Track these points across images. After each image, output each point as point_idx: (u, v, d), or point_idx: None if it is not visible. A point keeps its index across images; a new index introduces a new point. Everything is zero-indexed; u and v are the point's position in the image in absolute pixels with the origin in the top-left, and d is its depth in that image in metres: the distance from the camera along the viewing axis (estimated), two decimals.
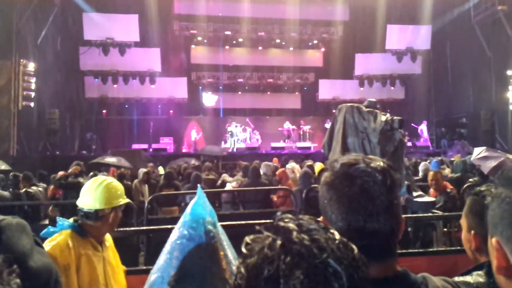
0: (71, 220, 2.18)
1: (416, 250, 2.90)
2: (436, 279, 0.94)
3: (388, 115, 4.98)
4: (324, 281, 0.58)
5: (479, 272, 1.25)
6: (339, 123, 4.91)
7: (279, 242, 0.62)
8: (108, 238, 2.32)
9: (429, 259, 2.85)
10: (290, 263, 0.59)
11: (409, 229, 4.86)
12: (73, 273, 2.00)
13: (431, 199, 5.04)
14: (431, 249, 2.95)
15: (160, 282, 1.22)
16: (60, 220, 2.17)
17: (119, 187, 2.28)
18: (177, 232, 1.31)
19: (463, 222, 1.48)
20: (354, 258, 0.62)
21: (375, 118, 4.74)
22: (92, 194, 2.19)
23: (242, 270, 0.63)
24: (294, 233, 0.62)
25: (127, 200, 2.29)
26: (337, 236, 0.64)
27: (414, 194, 4.99)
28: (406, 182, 4.89)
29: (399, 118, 4.74)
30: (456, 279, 1.24)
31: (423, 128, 18.03)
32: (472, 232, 1.42)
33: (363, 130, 4.75)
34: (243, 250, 0.65)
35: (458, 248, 3.60)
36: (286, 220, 0.67)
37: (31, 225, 2.09)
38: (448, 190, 5.23)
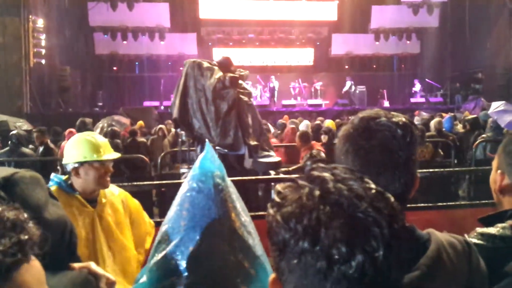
0: (64, 177, 2.19)
1: (426, 205, 2.93)
2: (440, 235, 0.94)
3: (244, 72, 4.80)
4: (364, 230, 0.58)
5: (505, 225, 1.22)
6: (182, 79, 4.77)
7: (317, 192, 0.61)
8: (106, 194, 2.27)
9: (438, 213, 2.88)
10: (330, 212, 0.58)
11: None
12: None
13: (277, 159, 4.95)
14: (440, 203, 2.97)
15: (170, 233, 1.25)
16: (53, 177, 2.18)
17: (96, 142, 2.19)
18: (186, 185, 1.34)
19: (495, 162, 1.41)
20: (393, 207, 0.62)
21: (211, 75, 4.60)
22: (68, 150, 2.19)
23: (279, 218, 0.62)
24: (331, 183, 0.62)
25: (103, 158, 2.17)
26: (373, 185, 0.64)
27: (262, 154, 4.87)
28: (253, 143, 4.74)
29: (232, 75, 4.59)
30: (479, 230, 1.22)
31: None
32: (499, 171, 1.36)
33: (201, 87, 4.63)
34: (276, 198, 0.65)
35: (467, 202, 3.64)
36: (320, 169, 0.66)
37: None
38: (314, 150, 5.09)
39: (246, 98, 4.77)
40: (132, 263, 2.28)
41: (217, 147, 4.66)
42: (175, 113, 4.80)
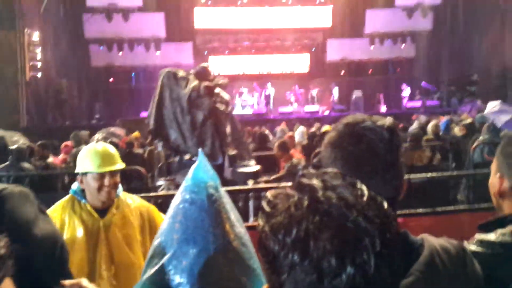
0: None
1: (424, 210, 2.90)
2: (434, 240, 0.92)
3: (222, 81, 4.75)
4: (355, 241, 0.56)
5: (504, 231, 1.18)
6: (158, 89, 4.73)
7: (305, 201, 0.59)
8: (119, 205, 2.24)
9: (437, 218, 2.86)
10: (319, 223, 0.56)
11: None
12: None
13: (255, 168, 4.87)
14: (439, 209, 2.95)
15: (163, 246, 1.23)
16: (73, 185, 2.26)
17: (96, 153, 2.19)
18: (179, 196, 1.32)
19: (493, 165, 1.36)
20: (385, 214, 0.60)
21: (186, 85, 4.56)
22: (77, 161, 2.27)
23: (267, 229, 0.61)
24: (320, 192, 0.60)
25: (98, 171, 2.15)
26: (366, 191, 0.62)
27: (241, 163, 4.82)
28: (232, 152, 4.70)
29: (206, 84, 4.54)
30: (477, 236, 1.19)
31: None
32: (498, 174, 1.31)
33: (176, 97, 4.58)
34: (266, 208, 0.63)
35: (466, 207, 3.62)
36: (310, 176, 0.64)
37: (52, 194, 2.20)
38: (295, 159, 4.98)
39: (223, 107, 4.73)
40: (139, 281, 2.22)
41: (194, 158, 4.61)
42: (151, 124, 4.77)
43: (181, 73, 4.68)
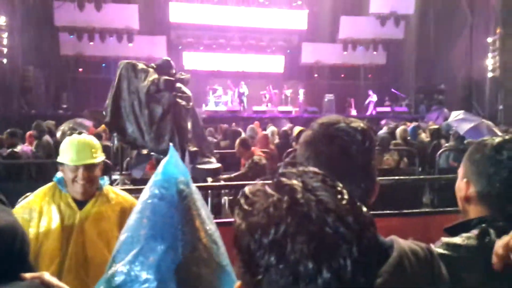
0: None
1: (390, 212, 2.97)
2: (403, 242, 0.93)
3: (184, 76, 4.72)
4: (332, 246, 0.55)
5: (469, 235, 1.20)
6: (115, 81, 4.67)
7: (285, 202, 0.58)
8: (98, 199, 2.19)
9: (403, 220, 2.93)
10: (297, 226, 0.56)
11: None
12: (35, 217, 2.09)
13: (216, 165, 4.91)
14: (405, 211, 3.02)
15: (130, 242, 1.19)
16: (58, 173, 2.22)
17: (73, 145, 2.16)
18: (148, 191, 1.28)
19: (460, 170, 1.40)
20: (364, 220, 0.60)
21: (145, 77, 4.51)
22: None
23: (244, 228, 0.59)
24: (300, 194, 0.59)
25: (69, 163, 2.13)
26: (346, 195, 0.61)
27: (202, 160, 4.85)
28: (193, 148, 4.68)
29: (166, 78, 4.48)
30: (444, 239, 1.21)
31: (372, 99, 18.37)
32: (465, 180, 1.34)
33: (135, 90, 4.50)
34: (243, 205, 0.62)
35: (431, 210, 3.74)
36: (289, 175, 0.63)
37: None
38: (256, 157, 5.04)
39: (184, 102, 4.61)
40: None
41: (151, 153, 4.51)
42: (107, 116, 4.63)
43: (140, 65, 4.53)
